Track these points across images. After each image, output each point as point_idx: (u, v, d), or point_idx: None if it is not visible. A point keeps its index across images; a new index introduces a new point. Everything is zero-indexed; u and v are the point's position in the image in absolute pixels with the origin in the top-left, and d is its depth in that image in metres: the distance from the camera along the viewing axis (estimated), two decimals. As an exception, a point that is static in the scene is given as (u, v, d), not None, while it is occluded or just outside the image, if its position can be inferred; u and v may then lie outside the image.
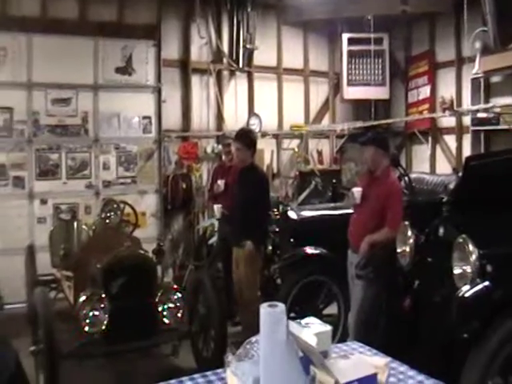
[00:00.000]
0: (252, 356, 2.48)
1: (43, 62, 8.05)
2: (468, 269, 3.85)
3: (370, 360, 2.59)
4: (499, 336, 3.49)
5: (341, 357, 2.56)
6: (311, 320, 2.73)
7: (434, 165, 9.90)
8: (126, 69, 8.79)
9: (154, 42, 8.94)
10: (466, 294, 3.67)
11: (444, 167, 9.46)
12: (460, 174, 5.36)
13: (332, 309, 6.21)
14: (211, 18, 9.78)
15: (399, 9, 7.79)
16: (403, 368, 2.64)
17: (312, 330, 2.57)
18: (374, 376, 2.34)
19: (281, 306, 2.31)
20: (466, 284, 3.79)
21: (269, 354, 2.26)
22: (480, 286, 3.68)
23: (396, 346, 4.34)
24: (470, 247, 3.87)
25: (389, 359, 2.66)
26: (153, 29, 8.92)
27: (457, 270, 3.94)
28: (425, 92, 10.23)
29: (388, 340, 4.44)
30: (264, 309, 2.29)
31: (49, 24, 8.15)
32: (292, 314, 5.54)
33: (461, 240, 3.95)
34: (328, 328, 2.63)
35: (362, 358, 2.65)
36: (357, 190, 5.45)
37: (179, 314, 5.16)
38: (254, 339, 2.54)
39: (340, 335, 5.71)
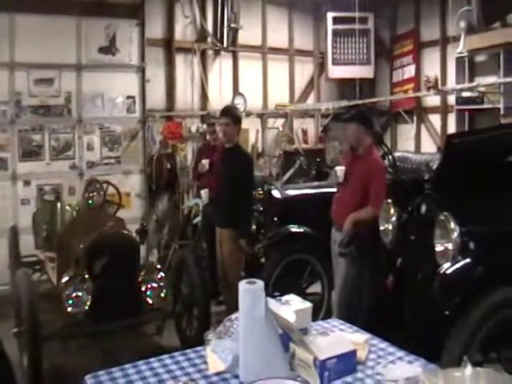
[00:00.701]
0: (232, 333, 2.49)
1: (25, 41, 7.90)
2: (450, 246, 3.86)
3: (350, 337, 2.61)
4: (479, 313, 3.52)
5: (320, 334, 2.58)
6: (292, 297, 2.75)
7: (418, 144, 9.93)
8: (109, 48, 8.67)
9: (138, 21, 8.83)
10: (447, 271, 3.70)
11: (429, 146, 9.51)
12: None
13: (316, 287, 6.24)
14: (195, -4, 9.66)
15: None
16: (383, 345, 2.66)
17: (292, 307, 2.58)
18: (353, 352, 2.36)
19: (259, 283, 2.31)
20: (447, 261, 3.81)
21: (248, 331, 2.27)
22: (461, 263, 3.70)
23: (379, 324, 4.39)
24: (452, 225, 3.88)
25: (369, 336, 2.68)
26: (136, 8, 8.81)
27: (438, 248, 3.95)
28: (409, 71, 10.23)
29: (371, 317, 4.47)
30: (242, 285, 2.30)
31: (31, 3, 7.98)
32: (276, 293, 5.55)
33: (442, 218, 3.96)
34: (308, 305, 2.65)
35: (342, 335, 2.67)
36: (340, 169, 5.45)
37: (162, 294, 5.15)
38: (233, 316, 2.54)
39: (324, 313, 5.75)
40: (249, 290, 2.30)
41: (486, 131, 5.52)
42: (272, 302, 2.47)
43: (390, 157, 6.49)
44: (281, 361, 2.26)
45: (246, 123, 9.83)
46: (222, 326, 2.61)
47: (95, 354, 5.21)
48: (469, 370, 1.56)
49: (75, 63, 8.39)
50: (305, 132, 10.71)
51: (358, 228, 5.07)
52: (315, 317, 2.80)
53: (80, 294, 4.87)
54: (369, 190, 5.23)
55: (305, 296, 6.00)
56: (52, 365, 5.02)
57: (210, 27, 9.80)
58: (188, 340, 5.34)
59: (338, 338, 2.57)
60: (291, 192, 6.76)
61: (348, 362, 2.30)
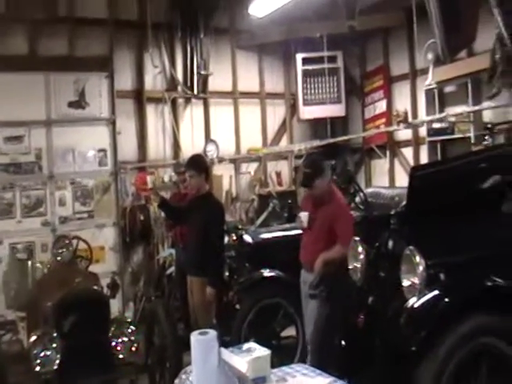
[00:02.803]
0: (188, 386, 2.42)
1: (-6, 99, 7.92)
2: (416, 280, 3.82)
3: (311, 381, 2.54)
4: (447, 345, 3.45)
5: (278, 381, 2.51)
6: (252, 345, 2.68)
7: (393, 178, 9.94)
8: (79, 102, 8.71)
9: (107, 74, 8.90)
10: (412, 306, 3.64)
11: (403, 180, 9.47)
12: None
13: (292, 331, 6.16)
14: (164, 47, 9.76)
15: (346, 25, 7.83)
16: (346, 387, 2.58)
17: (250, 355, 2.51)
18: (310, 398, 2.28)
19: (212, 333, 2.26)
20: (414, 296, 3.75)
21: (202, 382, 2.20)
22: (426, 297, 3.65)
23: (352, 363, 4.31)
24: (417, 258, 3.84)
25: (331, 379, 2.61)
26: (105, 60, 8.90)
27: (405, 283, 3.91)
28: (381, 106, 10.29)
29: (344, 357, 4.38)
30: (194, 336, 2.24)
31: (-3, 60, 8.07)
32: (251, 338, 5.47)
33: (408, 252, 3.93)
34: (266, 352, 2.58)
35: (301, 381, 2.59)
36: (304, 215, 5.52)
37: (133, 348, 5.07)
38: (189, 369, 2.47)
39: (299, 356, 5.67)
40: (201, 341, 2.27)
41: (448, 162, 5.53)
42: (225, 352, 2.41)
43: (361, 194, 6.47)
44: (237, 411, 2.20)
45: (219, 169, 9.94)
46: (178, 379, 2.56)
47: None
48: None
49: (45, 119, 8.44)
50: (278, 174, 10.67)
51: (328, 268, 5.03)
52: (291, 359, 2.76)
53: (48, 353, 4.81)
54: (336, 231, 5.29)
55: (279, 340, 5.93)
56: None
57: (179, 75, 9.86)
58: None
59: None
60: (262, 236, 6.73)
61: (308, 408, 2.25)
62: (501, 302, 3.71)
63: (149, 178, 7.12)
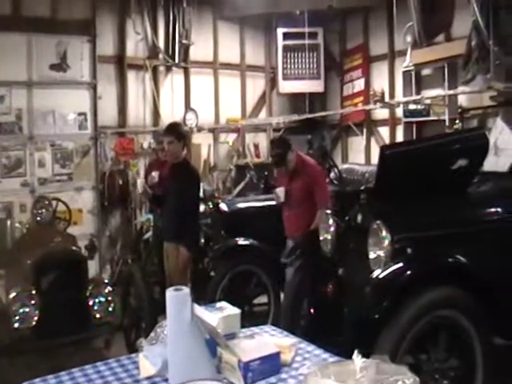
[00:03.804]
0: (162, 339, 2.58)
1: (-26, 59, 7.91)
2: (381, 253, 4.02)
3: (277, 341, 2.70)
4: (408, 315, 3.66)
5: (246, 337, 2.67)
6: (223, 304, 2.84)
7: (368, 156, 10.13)
8: (60, 65, 8.70)
9: (89, 38, 8.87)
10: (377, 277, 3.85)
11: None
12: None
13: (264, 298, 6.36)
14: (147, 14, 9.74)
15: (325, 4, 7.94)
16: (310, 348, 2.75)
17: (221, 313, 2.68)
18: (277, 354, 2.46)
19: (185, 290, 2.41)
20: (379, 268, 3.97)
21: (175, 336, 2.35)
22: (391, 269, 3.85)
23: (320, 330, 4.53)
24: (384, 233, 4.03)
25: (296, 340, 2.77)
26: (87, 24, 8.86)
27: (372, 255, 4.10)
28: (359, 85, 10.44)
29: (313, 323, 4.60)
30: (169, 292, 2.39)
31: (-20, 20, 8.05)
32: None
33: (375, 226, 4.12)
34: (236, 311, 2.74)
35: (267, 339, 2.76)
36: (280, 190, 5.74)
37: (110, 308, 5.21)
38: (164, 323, 2.63)
39: (271, 323, 5.84)
40: (175, 296, 2.38)
41: (418, 142, 5.73)
42: (198, 309, 2.55)
43: (336, 169, 6.67)
44: (207, 363, 2.34)
45: (198, 138, 10.04)
46: (154, 332, 2.70)
47: (43, 370, 5.19)
48: (358, 360, 1.70)
49: (26, 80, 8.40)
50: (256, 146, 10.84)
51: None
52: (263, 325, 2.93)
53: (27, 309, 4.91)
54: (314, 194, 5.52)
55: (251, 306, 6.13)
56: (-1, 381, 5.03)
57: (161, 44, 9.88)
58: (137, 353, 5.37)
59: (262, 341, 2.65)
60: (238, 205, 6.89)
61: (272, 363, 2.39)
62: (460, 278, 3.93)
63: (139, 182, 7.13)
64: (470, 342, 3.91)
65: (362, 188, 4.70)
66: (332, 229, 4.76)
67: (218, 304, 2.83)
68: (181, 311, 2.34)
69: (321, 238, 4.88)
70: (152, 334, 2.66)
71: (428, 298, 3.77)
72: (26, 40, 8.38)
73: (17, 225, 6.76)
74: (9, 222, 6.76)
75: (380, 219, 4.12)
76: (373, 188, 4.72)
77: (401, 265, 3.89)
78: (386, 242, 3.99)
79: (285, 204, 5.81)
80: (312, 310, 4.66)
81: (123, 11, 9.48)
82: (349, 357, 2.47)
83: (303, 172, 5.74)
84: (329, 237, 4.79)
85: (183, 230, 5.76)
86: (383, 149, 4.66)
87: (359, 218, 4.57)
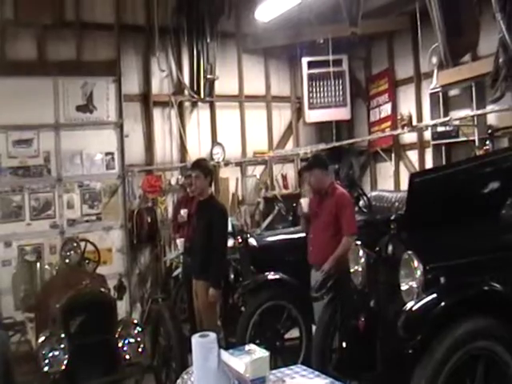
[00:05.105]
0: (189, 386, 2.50)
1: (3, 104, 8.04)
2: (414, 284, 3.89)
3: (309, 382, 2.60)
4: (444, 348, 3.51)
5: (276, 382, 2.58)
6: (252, 347, 2.75)
7: (398, 181, 9.97)
8: (87, 106, 8.84)
9: (115, 78, 9.01)
10: (410, 310, 3.71)
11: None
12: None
13: (295, 332, 6.24)
14: (171, 51, 9.84)
15: (349, 31, 7.91)
16: (343, 388, 2.65)
17: (249, 357, 2.58)
18: (308, 400, 2.36)
19: (211, 335, 2.33)
20: (412, 299, 3.83)
21: (202, 383, 2.28)
22: (423, 301, 3.70)
23: (353, 365, 4.39)
24: (415, 263, 3.91)
25: (329, 380, 2.67)
26: (112, 64, 9.01)
27: (404, 287, 3.98)
28: (386, 110, 10.34)
29: (345, 359, 4.47)
30: (195, 339, 2.31)
31: (8, 66, 8.22)
32: (256, 340, 5.58)
33: (406, 256, 4.00)
34: (265, 354, 2.65)
35: (298, 382, 2.66)
36: (304, 200, 5.77)
37: (140, 349, 5.15)
38: (191, 369, 2.55)
39: (303, 357, 5.75)
40: (201, 343, 2.31)
41: (446, 168, 5.60)
42: (225, 354, 2.47)
43: (365, 197, 6.56)
44: (236, 411, 2.28)
45: (225, 172, 10.02)
46: (181, 379, 2.62)
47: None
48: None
49: (53, 123, 8.56)
50: (284, 177, 10.75)
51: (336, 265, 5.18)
52: (295, 360, 2.84)
53: (56, 353, 4.87)
54: (340, 220, 5.52)
55: (283, 341, 6.02)
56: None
57: (186, 79, 9.95)
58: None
59: (293, 385, 2.57)
60: (267, 239, 6.82)
61: (303, 409, 2.32)
62: (497, 307, 3.78)
63: None
64: (509, 372, 3.73)
65: (392, 217, 4.57)
66: (362, 260, 4.64)
67: (247, 347, 2.74)
68: (207, 358, 2.28)
69: (351, 270, 4.76)
70: (179, 381, 2.58)
71: (463, 329, 3.62)
72: (52, 83, 8.57)
73: (46, 267, 6.78)
74: (38, 265, 6.77)
75: (411, 249, 4.01)
76: (403, 216, 4.60)
77: (434, 296, 3.75)
78: (419, 273, 3.87)
79: (310, 227, 5.77)
80: (344, 345, 4.52)
81: (147, 50, 9.59)
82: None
83: (332, 197, 5.75)
84: (359, 269, 4.67)
85: (211, 266, 5.71)
86: (412, 176, 4.54)
87: (390, 248, 4.44)
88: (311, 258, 5.79)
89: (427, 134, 9.15)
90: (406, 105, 9.81)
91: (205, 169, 6.04)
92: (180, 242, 6.54)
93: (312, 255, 5.77)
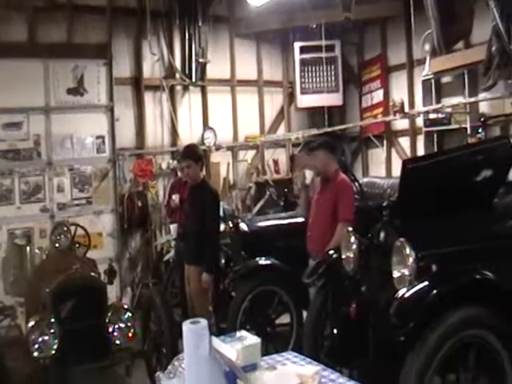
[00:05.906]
0: (180, 372, 2.49)
1: (-8, 86, 7.94)
2: (406, 272, 3.88)
3: (299, 369, 2.60)
4: (436, 336, 3.51)
5: (268, 368, 2.57)
6: (243, 333, 2.74)
7: (389, 168, 9.98)
8: (77, 89, 8.75)
9: (105, 61, 8.92)
10: (402, 297, 3.71)
11: (400, 169, 9.52)
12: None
13: (286, 318, 6.25)
14: (162, 34, 9.77)
15: (342, 16, 7.87)
16: (334, 375, 2.65)
17: (240, 343, 2.58)
18: (299, 386, 2.36)
19: (203, 322, 2.32)
20: (404, 287, 3.83)
21: (193, 370, 2.27)
22: (416, 288, 3.70)
23: (344, 351, 4.40)
24: (408, 250, 3.90)
25: (320, 367, 2.67)
26: (103, 48, 8.92)
27: (396, 274, 3.97)
28: (378, 96, 10.32)
29: (336, 346, 4.48)
30: (186, 325, 2.30)
31: (-3, 48, 8.10)
32: (246, 326, 5.58)
33: (399, 243, 3.99)
34: (256, 341, 2.65)
35: (289, 369, 2.66)
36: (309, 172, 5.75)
37: (130, 334, 5.13)
38: (182, 356, 2.54)
39: (293, 344, 5.76)
40: (192, 330, 2.30)
41: (439, 155, 5.59)
42: (216, 341, 2.47)
43: (356, 184, 6.55)
44: (226, 398, 2.27)
45: (216, 157, 9.98)
46: (172, 365, 2.62)
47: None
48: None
49: (43, 106, 8.47)
50: (276, 162, 10.74)
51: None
52: (286, 346, 2.83)
53: (46, 338, 4.85)
54: (337, 207, 5.49)
55: (274, 327, 6.03)
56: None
57: (178, 63, 9.88)
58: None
59: (284, 371, 2.56)
60: (258, 224, 6.80)
61: (294, 395, 2.31)
62: (489, 295, 3.77)
63: None
64: (499, 360, 3.74)
65: (385, 204, 4.56)
66: (354, 247, 4.64)
67: (238, 333, 2.74)
68: (198, 345, 2.27)
69: (343, 257, 4.75)
70: (170, 368, 2.59)
71: (455, 317, 3.61)
72: (42, 66, 8.46)
73: (36, 251, 6.74)
74: (28, 249, 6.73)
75: (404, 236, 4.00)
76: (395, 203, 4.59)
77: (426, 283, 3.74)
78: (411, 260, 3.86)
79: (312, 214, 5.75)
80: (335, 331, 4.53)
81: (139, 33, 9.50)
82: (374, 379, 2.38)
83: (335, 184, 5.71)
84: (351, 255, 4.66)
85: (204, 252, 5.70)
86: (405, 163, 4.53)
87: (382, 235, 4.43)
88: (309, 244, 5.77)
89: (419, 121, 9.14)
90: (398, 91, 9.79)
91: (195, 155, 6.01)
92: (173, 227, 6.51)
93: (310, 241, 5.75)
